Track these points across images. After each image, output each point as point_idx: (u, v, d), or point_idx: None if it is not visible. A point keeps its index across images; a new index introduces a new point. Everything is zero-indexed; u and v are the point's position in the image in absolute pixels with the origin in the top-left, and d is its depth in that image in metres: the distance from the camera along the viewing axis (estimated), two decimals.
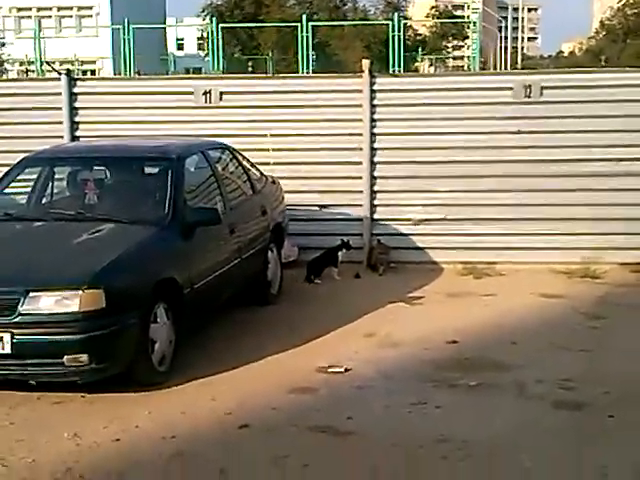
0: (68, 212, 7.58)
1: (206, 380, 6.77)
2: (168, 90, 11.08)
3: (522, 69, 43.13)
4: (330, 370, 7.00)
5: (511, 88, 10.54)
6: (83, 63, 40.79)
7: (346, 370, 7.00)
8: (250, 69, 33.77)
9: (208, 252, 7.63)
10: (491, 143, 10.58)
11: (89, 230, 7.04)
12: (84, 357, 6.07)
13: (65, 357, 6.04)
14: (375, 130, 10.71)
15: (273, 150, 10.48)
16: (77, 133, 10.96)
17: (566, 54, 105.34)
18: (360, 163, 10.72)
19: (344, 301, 9.29)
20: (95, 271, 6.24)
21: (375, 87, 10.70)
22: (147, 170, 8.28)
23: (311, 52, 30.69)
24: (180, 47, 61.82)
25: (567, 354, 7.38)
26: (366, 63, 10.79)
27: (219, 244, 7.90)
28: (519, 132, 10.50)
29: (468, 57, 64.50)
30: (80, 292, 6.04)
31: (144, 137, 10.02)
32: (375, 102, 10.69)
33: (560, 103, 10.45)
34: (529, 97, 10.49)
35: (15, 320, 6.01)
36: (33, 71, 32.64)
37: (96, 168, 8.19)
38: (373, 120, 10.70)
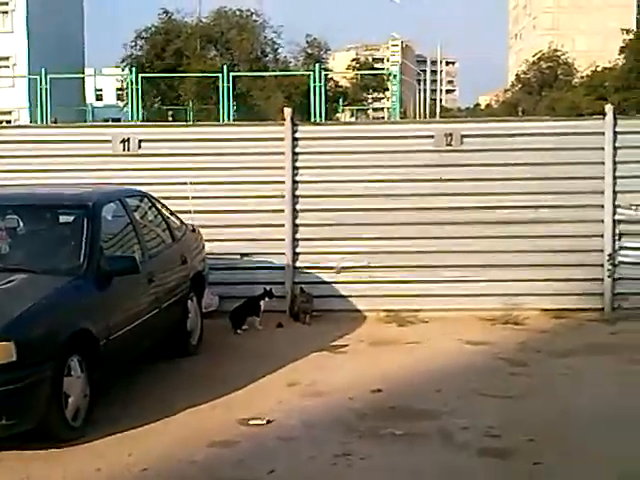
0: None
1: (123, 435, 6.52)
2: (85, 138, 10.90)
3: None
4: (252, 422, 6.80)
5: (432, 136, 10.60)
6: None
7: (268, 422, 6.81)
8: (170, 119, 33.61)
9: (125, 302, 7.42)
10: (413, 191, 10.60)
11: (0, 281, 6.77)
12: None
13: None
14: (297, 178, 10.66)
15: (193, 198, 10.32)
16: None
17: (483, 106, 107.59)
18: (282, 211, 10.63)
19: (266, 351, 9.10)
20: (5, 323, 5.99)
21: (297, 135, 10.68)
22: (62, 218, 8.03)
23: (232, 102, 30.69)
24: (99, 98, 61.29)
25: (490, 401, 7.31)
26: (288, 111, 10.77)
27: (137, 294, 7.68)
28: (441, 180, 10.53)
29: (388, 108, 65.62)
30: None
31: (60, 185, 9.76)
32: (297, 150, 10.66)
33: (480, 151, 10.56)
34: (450, 145, 10.56)
35: None
36: None
37: (8, 216, 7.88)
38: (295, 168, 10.65)
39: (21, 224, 7.89)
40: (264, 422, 6.79)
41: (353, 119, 49.87)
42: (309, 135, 10.78)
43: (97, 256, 7.15)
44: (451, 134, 10.58)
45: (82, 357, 6.56)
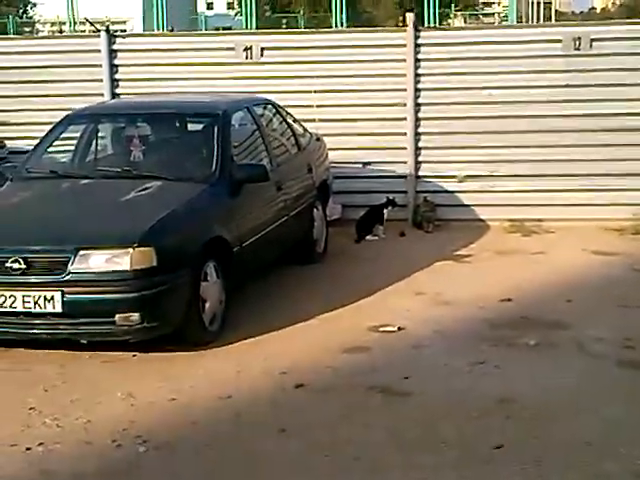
0: (114, 169, 7.43)
1: (257, 339, 6.65)
2: (208, 46, 10.88)
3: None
4: (382, 329, 6.85)
5: (560, 40, 10.25)
6: (114, 23, 40.48)
7: (399, 329, 6.85)
8: (285, 26, 33.36)
9: (256, 210, 7.49)
10: (538, 97, 10.32)
11: (137, 188, 6.90)
12: (135, 316, 5.95)
13: (116, 316, 5.92)
14: (419, 85, 10.48)
15: (317, 107, 10.26)
16: (117, 91, 10.80)
17: (598, 10, 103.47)
18: (404, 119, 10.50)
19: (391, 259, 9.13)
20: (145, 229, 6.12)
21: (419, 41, 10.46)
22: (192, 127, 8.12)
23: (344, 8, 30.20)
24: (210, 7, 61.38)
25: (625, 312, 7.18)
26: (410, 16, 10.54)
27: (266, 202, 7.74)
28: (567, 86, 10.22)
29: (499, 13, 63.50)
30: (131, 250, 5.92)
31: (187, 94, 9.85)
32: (419, 56, 10.46)
33: (611, 55, 10.16)
34: (578, 50, 10.21)
35: (65, 279, 5.90)
36: (65, 31, 32.48)
37: (141, 125, 8.01)
38: (417, 75, 10.46)
39: (153, 132, 8.02)
40: (395, 329, 6.83)
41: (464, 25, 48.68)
42: (432, 41, 10.52)
43: (228, 164, 7.21)
44: (580, 38, 10.21)
45: (217, 263, 6.67)
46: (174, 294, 6.18)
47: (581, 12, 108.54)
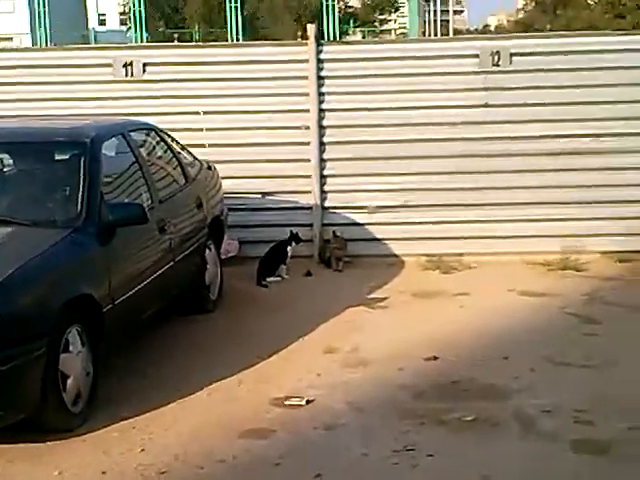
0: None
1: (133, 421, 5.40)
2: (82, 62, 9.57)
3: None
4: (288, 402, 5.67)
5: (477, 55, 9.29)
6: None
7: (308, 402, 5.67)
8: (176, 41, 32.06)
9: (133, 258, 6.28)
10: (455, 119, 9.34)
11: None
12: None
13: None
14: (324, 106, 9.40)
15: (207, 130, 9.08)
16: None
17: (493, 27, 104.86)
18: (308, 144, 9.39)
19: (296, 306, 7.95)
20: None
21: (322, 56, 9.38)
22: (54, 158, 6.78)
23: (240, 24, 29.12)
24: (102, 23, 59.44)
25: (570, 372, 6.15)
26: (312, 28, 9.44)
27: (146, 247, 6.53)
28: (487, 105, 9.27)
29: (395, 30, 63.45)
30: None
31: (52, 117, 8.52)
32: (323, 73, 9.37)
33: (532, 72, 9.22)
34: (497, 65, 9.26)
35: None
36: None
37: None
38: (321, 94, 9.38)
39: (5, 165, 6.65)
40: (303, 403, 5.65)
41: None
42: (337, 56, 9.44)
43: (97, 204, 5.95)
44: (498, 52, 9.26)
45: (82, 328, 5.43)
46: (24, 373, 4.91)
47: (475, 29, 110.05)
